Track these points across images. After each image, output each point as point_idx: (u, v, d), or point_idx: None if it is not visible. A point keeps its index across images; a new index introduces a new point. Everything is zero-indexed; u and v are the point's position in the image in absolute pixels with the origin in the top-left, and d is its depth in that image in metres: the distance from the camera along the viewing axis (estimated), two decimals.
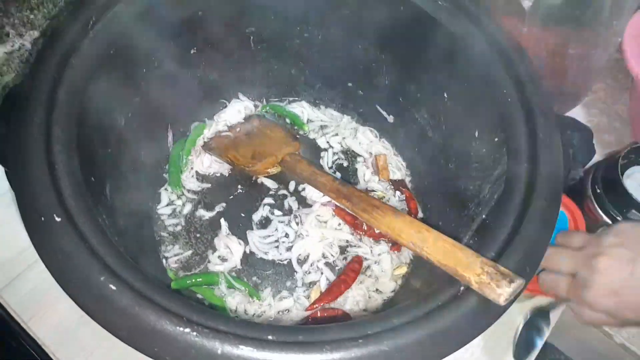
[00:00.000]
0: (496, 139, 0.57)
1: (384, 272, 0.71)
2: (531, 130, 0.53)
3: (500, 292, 0.43)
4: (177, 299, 0.43)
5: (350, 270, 0.70)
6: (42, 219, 0.44)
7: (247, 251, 0.71)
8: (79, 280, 0.42)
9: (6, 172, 0.54)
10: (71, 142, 0.50)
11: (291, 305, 0.68)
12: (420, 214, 0.75)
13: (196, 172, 0.77)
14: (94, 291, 0.42)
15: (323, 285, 0.69)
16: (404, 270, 0.71)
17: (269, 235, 0.72)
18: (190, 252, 0.71)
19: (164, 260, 0.70)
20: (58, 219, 0.44)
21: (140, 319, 0.41)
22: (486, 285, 0.44)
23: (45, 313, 0.67)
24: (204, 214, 0.74)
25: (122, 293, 0.42)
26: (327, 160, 0.80)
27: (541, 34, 0.71)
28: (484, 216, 0.55)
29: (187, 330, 0.40)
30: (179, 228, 0.73)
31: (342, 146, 0.82)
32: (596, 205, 0.72)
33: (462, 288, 0.46)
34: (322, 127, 0.83)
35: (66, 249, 0.43)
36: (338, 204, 0.69)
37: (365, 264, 0.71)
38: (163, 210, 0.74)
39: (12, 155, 0.48)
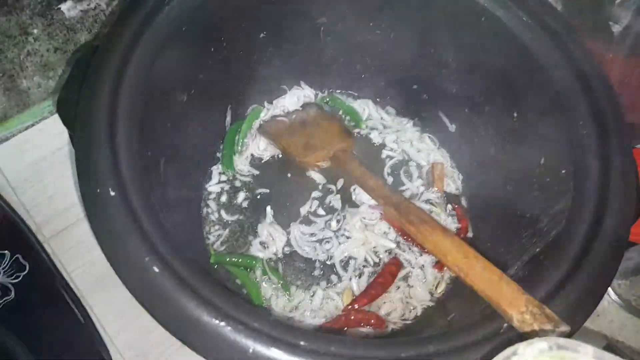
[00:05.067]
0: (563, 171, 0.54)
1: (424, 282, 0.69)
2: (605, 168, 0.50)
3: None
4: (218, 289, 0.43)
5: (387, 273, 0.68)
6: (98, 190, 0.45)
7: (289, 243, 0.71)
8: (125, 255, 0.43)
9: (70, 136, 0.56)
10: (134, 115, 0.50)
11: (323, 303, 0.67)
12: (470, 234, 0.73)
13: (251, 154, 0.77)
14: (137, 269, 0.43)
15: (355, 287, 0.68)
16: (442, 287, 0.69)
17: (313, 234, 0.71)
18: (232, 232, 0.71)
19: (207, 238, 0.71)
20: (112, 193, 0.45)
21: (179, 304, 0.41)
22: (528, 326, 0.42)
23: (88, 268, 0.69)
24: (251, 198, 0.74)
25: (164, 276, 0.42)
26: (388, 164, 0.78)
27: (629, 62, 0.66)
28: (537, 250, 0.52)
29: (223, 323, 0.41)
30: (225, 208, 0.73)
31: (398, 149, 0.79)
32: None
33: (505, 325, 0.44)
34: (381, 127, 0.81)
35: (117, 226, 0.44)
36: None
37: (405, 270, 0.70)
38: (212, 188, 0.74)
39: (78, 122, 0.49)
